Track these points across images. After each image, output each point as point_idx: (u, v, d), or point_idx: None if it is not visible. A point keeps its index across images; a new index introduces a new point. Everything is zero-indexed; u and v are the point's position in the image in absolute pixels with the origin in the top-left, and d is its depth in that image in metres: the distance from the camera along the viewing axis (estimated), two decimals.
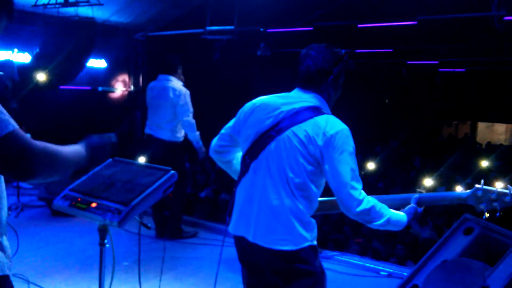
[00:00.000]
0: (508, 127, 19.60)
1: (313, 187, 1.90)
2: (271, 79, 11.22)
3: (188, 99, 4.51)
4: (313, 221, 1.93)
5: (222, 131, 2.16)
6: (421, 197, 2.10)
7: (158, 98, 4.56)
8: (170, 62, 4.61)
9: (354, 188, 1.83)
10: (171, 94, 4.46)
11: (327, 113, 1.94)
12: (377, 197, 2.01)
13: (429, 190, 9.30)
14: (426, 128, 17.87)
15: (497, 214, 2.10)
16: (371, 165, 10.81)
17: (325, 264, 4.14)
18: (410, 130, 16.82)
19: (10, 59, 7.12)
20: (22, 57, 7.85)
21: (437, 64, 13.50)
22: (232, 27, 8.52)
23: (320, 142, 1.84)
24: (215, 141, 2.19)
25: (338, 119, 1.92)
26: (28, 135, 1.32)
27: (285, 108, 1.94)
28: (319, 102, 1.96)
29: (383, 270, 3.97)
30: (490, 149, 14.74)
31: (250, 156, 1.97)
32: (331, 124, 1.87)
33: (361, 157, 12.05)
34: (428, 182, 9.43)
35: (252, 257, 2.00)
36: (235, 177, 2.14)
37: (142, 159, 4.96)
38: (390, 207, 1.97)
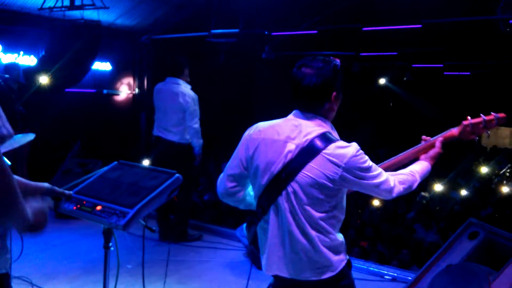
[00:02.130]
0: None
1: (337, 211, 1.91)
2: (275, 82, 11.22)
3: (197, 104, 4.50)
4: (342, 239, 1.95)
5: (228, 172, 2.00)
6: (444, 139, 2.26)
7: (166, 102, 4.53)
8: (179, 64, 4.57)
9: (380, 183, 1.89)
10: (181, 100, 4.43)
11: (333, 139, 1.84)
12: (394, 158, 2.20)
13: (435, 193, 9.26)
14: (430, 131, 17.80)
15: (487, 137, 2.32)
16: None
17: None
18: (415, 134, 16.76)
19: (16, 62, 7.19)
20: (28, 60, 7.90)
21: (442, 67, 13.46)
22: (236, 30, 8.54)
23: (335, 175, 1.80)
24: (223, 184, 2.02)
25: (344, 143, 1.85)
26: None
27: (291, 147, 1.84)
28: (323, 126, 1.88)
29: (387, 274, 3.95)
30: (495, 153, 14.67)
31: (267, 198, 1.90)
32: (341, 154, 1.81)
33: None
34: (430, 184, 9.40)
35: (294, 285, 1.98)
36: (247, 208, 2.08)
37: (146, 162, 4.98)
38: (412, 159, 2.17)
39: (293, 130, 1.87)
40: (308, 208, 1.83)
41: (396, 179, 1.97)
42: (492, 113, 2.31)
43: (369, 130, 15.97)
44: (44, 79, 7.05)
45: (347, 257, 1.97)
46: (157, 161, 4.35)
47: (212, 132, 4.63)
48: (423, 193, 8.97)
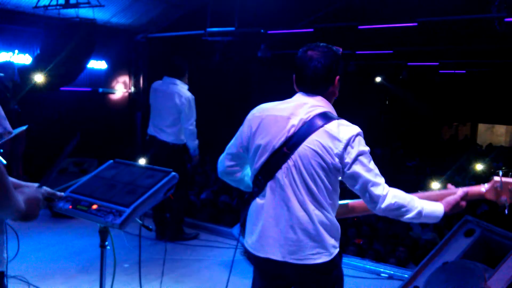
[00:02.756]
0: (508, 129, 19.60)
1: (335, 193, 1.90)
2: (271, 80, 11.24)
3: (193, 106, 4.46)
4: (338, 225, 1.93)
5: (229, 151, 2.06)
6: (469, 192, 1.98)
7: (162, 102, 4.50)
8: (179, 65, 4.52)
9: (376, 184, 1.82)
10: (177, 100, 4.40)
11: (336, 117, 1.89)
12: (416, 194, 1.94)
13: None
14: (426, 129, 17.88)
15: None
16: None
17: None
18: (411, 132, 16.83)
19: (11, 60, 7.15)
20: (23, 59, 7.86)
21: (438, 65, 13.51)
22: (232, 28, 8.53)
23: (336, 150, 1.82)
24: (222, 162, 2.09)
25: (348, 122, 1.89)
26: None
27: (294, 121, 1.87)
28: (326, 106, 1.92)
29: (383, 272, 3.96)
30: (490, 151, 14.74)
31: (264, 175, 1.90)
32: (343, 130, 1.84)
33: None
34: (428, 183, 9.43)
35: (280, 277, 1.97)
36: (248, 190, 2.09)
37: (142, 161, 4.96)
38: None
39: (297, 107, 1.91)
40: (308, 181, 1.84)
41: (393, 192, 1.84)
42: None
43: (365, 128, 16.00)
44: (39, 78, 7.02)
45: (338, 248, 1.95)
46: (152, 161, 4.32)
47: (208, 130, 4.62)
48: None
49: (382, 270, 3.99)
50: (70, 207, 2.24)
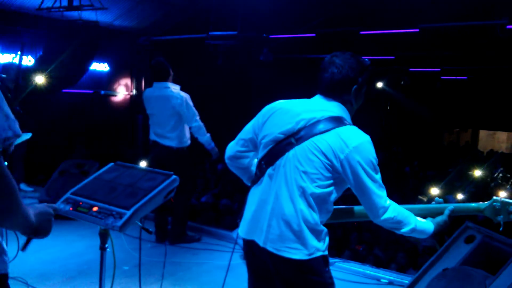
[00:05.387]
0: (509, 135, 19.58)
1: (330, 197, 1.88)
2: (273, 84, 11.25)
3: (191, 103, 4.44)
4: (326, 230, 1.92)
5: (240, 136, 2.09)
6: (454, 209, 2.07)
7: (159, 108, 4.45)
8: (164, 68, 4.47)
9: (379, 196, 1.85)
10: (173, 103, 4.37)
11: (349, 124, 1.90)
12: (405, 206, 2.01)
13: (433, 198, 9.27)
14: (427, 135, 17.87)
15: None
16: None
17: None
18: (412, 137, 16.82)
19: (14, 62, 7.18)
20: (26, 60, 7.88)
21: (439, 71, 13.51)
22: (235, 32, 8.55)
23: (341, 154, 1.82)
24: (232, 146, 2.12)
25: (359, 130, 1.89)
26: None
27: (306, 116, 1.89)
28: (341, 111, 1.93)
29: (384, 278, 3.95)
30: (491, 157, 14.72)
31: (266, 161, 1.93)
32: (353, 136, 1.85)
33: None
34: (427, 189, 9.42)
35: (261, 263, 1.97)
36: (249, 183, 2.10)
37: (143, 164, 4.96)
38: (418, 215, 1.99)
39: (311, 105, 1.95)
40: (304, 176, 1.84)
41: (394, 206, 1.88)
42: None
43: (366, 133, 15.98)
44: (41, 79, 7.04)
45: (326, 253, 1.92)
46: (155, 165, 4.29)
47: (209, 133, 4.60)
48: (420, 197, 8.99)
49: (382, 275, 3.98)
50: (71, 209, 2.24)
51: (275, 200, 1.88)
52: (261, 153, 1.97)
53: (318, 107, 1.93)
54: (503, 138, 19.75)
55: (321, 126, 1.86)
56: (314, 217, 1.85)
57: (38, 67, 7.24)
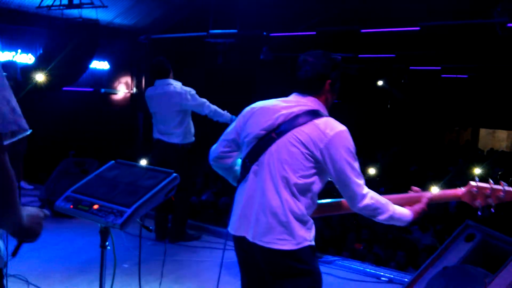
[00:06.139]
0: (509, 134, 19.58)
1: (313, 187, 1.96)
2: (273, 83, 11.24)
3: (196, 95, 4.41)
4: (312, 220, 1.98)
5: (223, 137, 2.19)
6: (433, 197, 2.12)
7: (163, 106, 4.43)
8: (165, 65, 4.48)
9: (357, 184, 1.92)
10: (178, 99, 4.37)
11: (326, 116, 2.00)
12: (384, 195, 2.05)
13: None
14: (427, 134, 17.87)
15: (492, 210, 2.13)
16: (372, 171, 10.80)
17: (326, 269, 4.14)
18: (412, 136, 16.82)
19: (14, 60, 7.19)
20: (25, 58, 7.89)
21: (439, 70, 13.52)
22: (235, 30, 8.55)
23: (321, 144, 1.91)
24: (216, 148, 2.20)
25: (336, 121, 1.99)
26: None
27: (285, 112, 2.00)
28: (317, 105, 2.03)
29: (383, 276, 3.96)
30: (492, 156, 14.72)
31: (250, 159, 2.02)
32: (330, 126, 1.94)
33: (362, 162, 12.05)
34: (427, 187, 9.41)
35: (251, 258, 2.03)
36: (235, 183, 2.17)
37: (144, 162, 4.96)
38: (397, 204, 2.04)
39: (289, 103, 2.05)
40: (286, 168, 1.92)
41: (372, 193, 1.96)
42: (502, 182, 2.10)
43: (366, 132, 15.99)
44: (41, 78, 7.04)
45: (314, 244, 1.98)
46: (158, 163, 4.27)
47: (209, 132, 4.60)
48: None
49: (382, 273, 3.99)
50: (71, 206, 2.24)
51: (262, 195, 1.96)
52: (245, 151, 2.06)
53: (296, 103, 2.03)
54: (503, 136, 19.76)
55: (299, 119, 1.96)
56: (300, 207, 1.93)
57: (38, 65, 7.24)
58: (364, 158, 11.90)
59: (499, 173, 11.49)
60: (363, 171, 11.11)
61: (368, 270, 4.06)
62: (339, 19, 9.67)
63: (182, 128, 4.45)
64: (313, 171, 1.93)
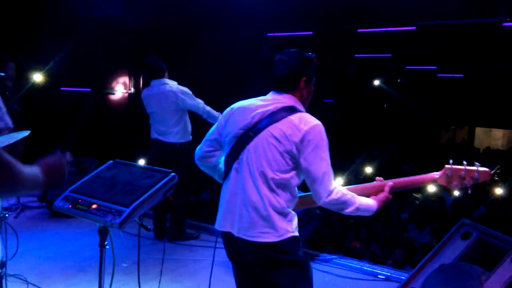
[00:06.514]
0: (505, 133, 19.65)
1: (291, 182, 2.02)
2: (271, 82, 11.24)
3: (192, 94, 4.43)
4: (293, 212, 2.05)
5: (206, 137, 2.28)
6: (395, 184, 2.18)
7: (160, 105, 4.45)
8: (160, 65, 4.50)
9: (324, 179, 1.97)
10: (174, 98, 4.38)
11: (301, 111, 2.06)
12: (348, 186, 2.14)
13: (429, 194, 9.33)
14: (424, 132, 17.91)
15: (469, 191, 2.19)
16: (369, 169, 10.83)
17: (324, 267, 4.17)
18: (408, 135, 16.86)
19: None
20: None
21: (436, 69, 13.55)
22: (233, 30, 8.52)
23: (295, 138, 1.97)
24: (200, 148, 2.29)
25: (311, 116, 2.05)
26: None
27: (261, 110, 2.07)
28: (293, 101, 2.10)
29: (381, 274, 3.98)
30: (488, 154, 14.78)
31: (231, 157, 2.10)
32: (304, 121, 2.00)
33: (359, 160, 12.09)
34: (423, 186, 9.43)
35: (239, 252, 2.10)
36: (221, 180, 2.26)
37: (142, 161, 4.97)
38: (364, 194, 2.12)
39: (265, 101, 2.13)
40: (264, 164, 2.00)
41: (338, 188, 2.00)
42: (476, 163, 2.18)
43: (363, 131, 16.02)
44: (39, 77, 7.03)
45: (298, 234, 2.05)
46: (156, 162, 4.26)
47: (207, 131, 4.60)
48: (414, 194, 9.03)
49: (379, 271, 4.01)
50: (70, 206, 2.26)
51: (243, 191, 2.04)
52: (226, 150, 2.15)
53: (272, 101, 2.11)
54: (499, 135, 19.83)
55: (274, 116, 2.04)
56: (279, 201, 2.00)
57: (36, 65, 7.23)
58: (361, 156, 11.94)
59: (498, 171, 11.52)
60: (360, 169, 11.17)
61: (365, 268, 4.09)
62: (336, 19, 9.67)
63: (179, 127, 4.46)
64: (290, 166, 2.00)
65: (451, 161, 2.23)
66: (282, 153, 1.98)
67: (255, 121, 2.06)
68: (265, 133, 2.02)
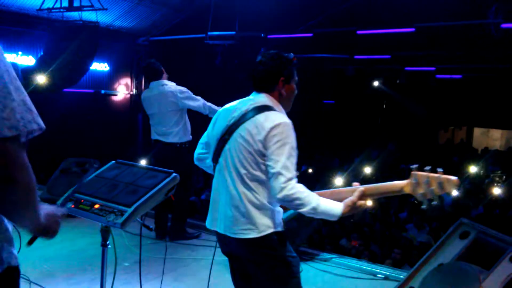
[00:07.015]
0: (503, 133, 19.66)
1: (266, 178, 2.06)
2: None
3: (190, 93, 4.47)
4: (275, 209, 2.11)
5: (200, 141, 2.40)
6: (366, 189, 2.05)
7: (160, 106, 4.49)
8: (158, 67, 4.55)
9: (281, 175, 1.96)
10: (173, 98, 4.42)
11: (270, 110, 2.10)
12: (318, 191, 2.06)
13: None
14: (422, 133, 17.93)
15: (434, 202, 1.96)
16: (368, 170, 10.87)
17: (323, 267, 4.20)
18: (407, 136, 16.88)
19: (15, 62, 7.21)
20: (26, 60, 7.92)
21: (434, 70, 13.57)
22: (233, 32, 8.60)
23: (260, 136, 2.04)
24: (196, 151, 2.43)
25: (279, 114, 2.09)
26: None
27: (236, 113, 2.16)
28: (268, 100, 2.16)
29: (380, 273, 4.00)
30: (486, 155, 14.79)
31: (214, 159, 2.22)
32: (270, 119, 2.06)
33: (358, 161, 12.11)
34: None
35: (228, 247, 2.22)
36: None
37: (143, 162, 5.00)
38: (339, 198, 2.02)
39: (243, 102, 2.21)
40: (237, 164, 2.09)
41: (294, 185, 1.95)
42: (439, 170, 1.91)
43: (362, 131, 16.03)
44: (42, 79, 7.07)
45: (281, 230, 2.09)
46: (158, 163, 4.29)
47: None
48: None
49: (378, 271, 4.03)
50: (73, 206, 2.29)
51: (225, 191, 2.15)
52: (210, 153, 2.27)
53: (249, 101, 2.18)
54: (497, 135, 19.83)
55: (244, 117, 2.12)
56: (258, 197, 2.07)
57: (39, 67, 7.27)
58: (360, 157, 11.96)
59: (498, 172, 11.53)
60: (359, 170, 11.19)
61: (364, 267, 4.11)
62: (335, 21, 9.71)
63: (179, 127, 4.50)
64: (261, 162, 2.05)
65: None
66: (251, 152, 2.05)
67: (230, 124, 2.15)
68: (236, 134, 2.11)
